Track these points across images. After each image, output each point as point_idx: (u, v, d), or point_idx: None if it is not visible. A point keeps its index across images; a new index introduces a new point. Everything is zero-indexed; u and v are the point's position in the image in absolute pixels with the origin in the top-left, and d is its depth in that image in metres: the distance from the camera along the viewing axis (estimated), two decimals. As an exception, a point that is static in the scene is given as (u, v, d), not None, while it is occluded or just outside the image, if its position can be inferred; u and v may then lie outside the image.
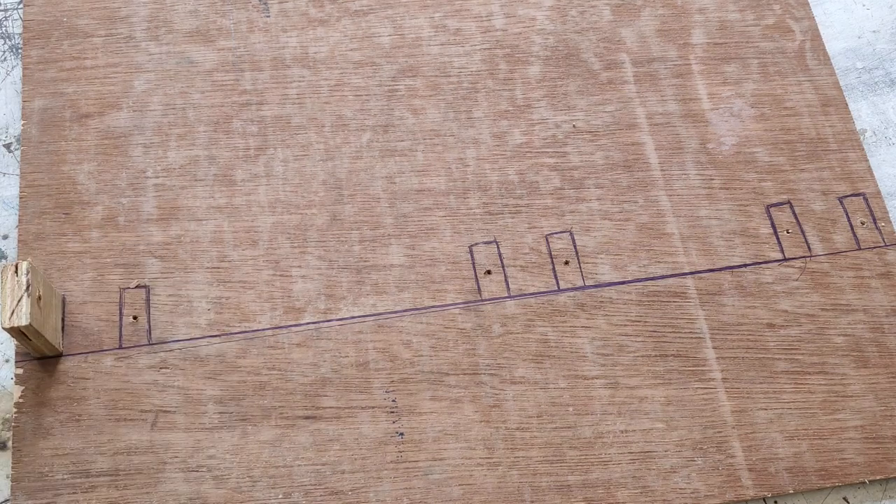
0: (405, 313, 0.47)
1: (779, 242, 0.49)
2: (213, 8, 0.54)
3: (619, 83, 0.53)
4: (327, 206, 0.49)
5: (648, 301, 0.47)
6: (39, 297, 0.42)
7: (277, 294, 0.47)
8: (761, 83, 0.53)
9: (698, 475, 0.44)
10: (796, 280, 0.48)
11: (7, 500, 0.42)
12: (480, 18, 0.54)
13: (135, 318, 0.46)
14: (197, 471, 0.43)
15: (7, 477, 0.43)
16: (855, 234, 0.49)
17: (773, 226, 0.49)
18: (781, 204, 0.50)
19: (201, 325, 0.46)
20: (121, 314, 0.46)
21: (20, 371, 0.44)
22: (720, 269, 0.48)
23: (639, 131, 0.52)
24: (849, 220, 0.50)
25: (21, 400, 0.44)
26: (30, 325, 0.41)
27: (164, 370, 0.45)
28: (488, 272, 0.48)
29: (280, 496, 0.43)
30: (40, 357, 0.45)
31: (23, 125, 0.50)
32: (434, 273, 0.48)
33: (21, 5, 0.54)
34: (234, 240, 0.48)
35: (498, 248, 0.48)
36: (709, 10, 0.55)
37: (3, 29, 0.54)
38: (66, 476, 0.42)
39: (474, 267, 0.48)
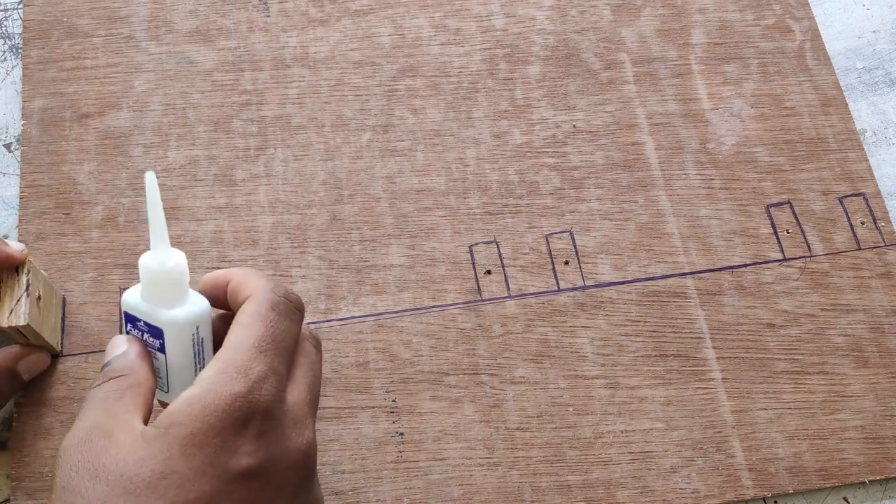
0: (405, 313, 0.47)
1: (779, 242, 0.49)
2: (213, 8, 0.54)
3: (619, 83, 0.53)
4: (327, 206, 0.49)
5: (648, 301, 0.47)
6: (39, 297, 0.42)
7: (277, 294, 0.47)
8: (761, 83, 0.53)
9: (698, 475, 0.44)
10: (796, 280, 0.48)
11: (7, 500, 0.42)
12: (480, 18, 0.54)
13: (135, 318, 0.46)
14: (197, 471, 0.43)
15: (7, 477, 0.43)
16: (855, 234, 0.49)
17: (773, 226, 0.49)
18: (781, 204, 0.50)
19: (201, 325, 0.46)
20: (121, 314, 0.46)
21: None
22: (720, 269, 0.48)
23: (639, 131, 0.52)
24: (849, 220, 0.50)
25: (21, 400, 0.44)
26: (28, 325, 0.41)
27: (164, 370, 0.45)
28: (488, 272, 0.48)
29: (280, 496, 0.43)
30: (40, 357, 0.45)
31: (23, 125, 0.50)
32: (434, 273, 0.48)
33: (21, 5, 0.54)
34: (234, 240, 0.48)
35: (498, 248, 0.48)
36: (709, 10, 0.55)
37: (3, 29, 0.54)
38: (66, 476, 0.42)
39: (474, 267, 0.48)
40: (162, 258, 0.33)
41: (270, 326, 0.32)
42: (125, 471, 0.29)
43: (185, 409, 0.30)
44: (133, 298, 0.34)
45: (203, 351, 0.35)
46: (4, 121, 0.51)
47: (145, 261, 0.33)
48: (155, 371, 0.35)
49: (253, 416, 0.31)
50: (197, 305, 0.34)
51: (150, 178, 0.33)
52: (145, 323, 0.34)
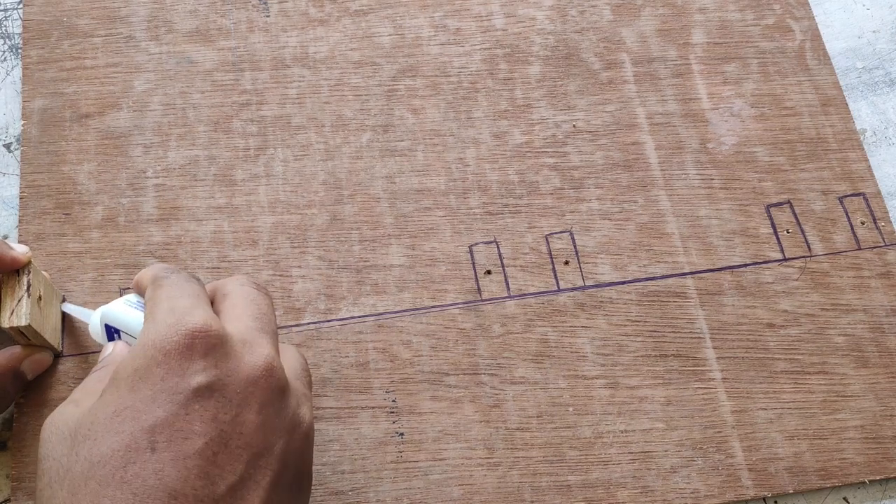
0: (405, 313, 0.47)
1: (779, 242, 0.49)
2: (213, 8, 0.54)
3: (619, 83, 0.53)
4: (327, 206, 0.49)
5: (648, 301, 0.47)
6: (40, 298, 0.42)
7: (277, 294, 0.47)
8: (761, 83, 0.53)
9: (698, 475, 0.44)
10: (796, 280, 0.48)
11: (7, 501, 0.43)
12: (480, 18, 0.54)
13: (135, 318, 0.46)
14: (197, 471, 0.43)
15: (7, 477, 0.43)
16: (855, 234, 0.49)
17: (773, 226, 0.49)
18: (781, 204, 0.50)
19: (201, 325, 0.46)
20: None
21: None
22: (720, 269, 0.48)
23: (639, 131, 0.52)
24: (849, 220, 0.50)
25: (21, 400, 0.44)
26: (29, 325, 0.41)
27: (164, 370, 0.45)
28: (488, 272, 0.48)
29: (280, 496, 0.43)
30: (40, 357, 0.45)
31: (23, 125, 0.50)
32: (434, 273, 0.48)
33: (21, 5, 0.54)
34: (234, 240, 0.48)
35: (498, 248, 0.48)
36: (709, 10, 0.55)
37: (3, 29, 0.54)
38: (66, 476, 0.42)
39: (474, 267, 0.48)
40: (95, 316, 0.41)
41: (170, 285, 0.35)
42: (83, 422, 0.31)
43: (128, 354, 0.32)
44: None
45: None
46: (4, 121, 0.51)
47: (91, 330, 0.41)
48: None
49: (194, 336, 0.31)
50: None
51: (67, 308, 0.44)
52: (108, 338, 0.40)
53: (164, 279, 0.35)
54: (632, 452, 0.44)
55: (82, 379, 0.44)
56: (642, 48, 0.54)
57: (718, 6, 0.55)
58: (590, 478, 0.44)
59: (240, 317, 0.35)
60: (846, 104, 0.53)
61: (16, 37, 0.53)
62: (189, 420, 0.30)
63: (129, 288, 0.47)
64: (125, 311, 0.39)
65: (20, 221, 0.48)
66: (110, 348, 0.38)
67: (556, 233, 0.49)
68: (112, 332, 0.39)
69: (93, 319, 0.40)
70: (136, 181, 0.49)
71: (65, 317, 0.46)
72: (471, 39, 0.54)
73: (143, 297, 0.38)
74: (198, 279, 0.37)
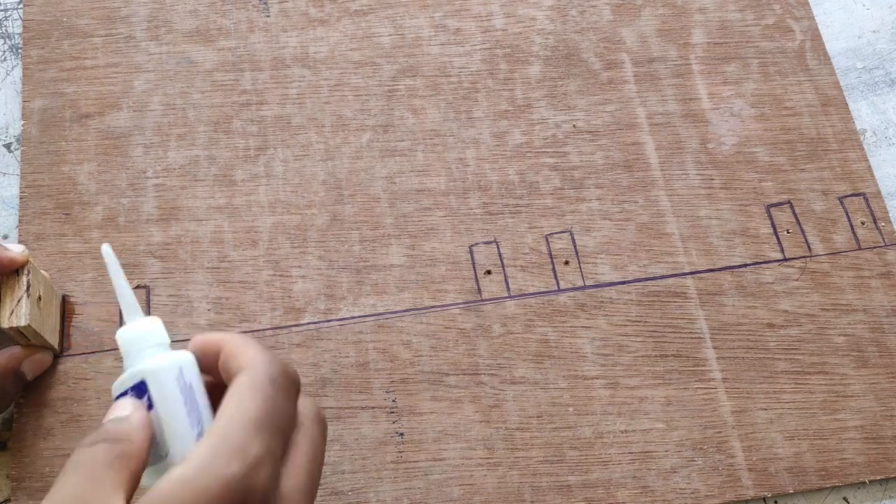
0: (405, 313, 0.47)
1: (779, 242, 0.49)
2: (213, 8, 0.54)
3: (619, 83, 0.53)
4: (327, 206, 0.49)
5: (648, 301, 0.47)
6: (40, 298, 0.42)
7: (277, 294, 0.47)
8: (761, 83, 0.53)
9: (698, 475, 0.44)
10: (796, 280, 0.48)
11: (7, 501, 0.43)
12: (480, 18, 0.54)
13: (135, 318, 0.46)
14: (197, 471, 0.43)
15: (7, 477, 0.43)
16: (855, 234, 0.49)
17: (773, 226, 0.49)
18: (781, 204, 0.50)
19: (201, 325, 0.46)
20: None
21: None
22: (720, 269, 0.48)
23: (639, 131, 0.52)
24: (849, 220, 0.50)
25: (21, 400, 0.44)
26: (29, 325, 0.41)
27: (164, 370, 0.45)
28: (488, 272, 0.48)
29: (280, 496, 0.42)
30: (40, 357, 0.45)
31: (23, 125, 0.50)
32: (434, 273, 0.48)
33: (21, 5, 0.54)
34: (234, 240, 0.48)
35: (498, 248, 0.48)
36: (709, 10, 0.55)
37: (3, 29, 0.54)
38: (66, 476, 0.42)
39: (474, 267, 0.48)
40: (138, 327, 0.33)
41: (269, 402, 0.30)
42: None
43: (177, 491, 0.27)
44: (119, 378, 0.33)
45: (195, 398, 0.32)
46: (4, 121, 0.51)
47: (122, 333, 0.33)
48: (152, 439, 0.31)
49: (247, 502, 0.28)
50: (178, 352, 0.32)
51: (106, 251, 0.33)
52: (130, 388, 0.32)
53: (263, 388, 0.30)
54: (632, 452, 0.44)
55: (82, 379, 0.44)
56: (642, 48, 0.54)
57: (718, 6, 0.55)
58: (590, 478, 0.44)
59: (298, 468, 0.30)
60: (846, 104, 0.53)
61: (16, 37, 0.53)
62: None
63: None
64: (167, 384, 0.31)
65: (20, 221, 0.48)
66: (128, 410, 0.31)
67: (556, 233, 0.49)
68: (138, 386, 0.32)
69: (122, 332, 0.33)
70: (136, 181, 0.49)
71: (64, 317, 0.46)
72: (471, 39, 0.54)
73: (203, 367, 0.32)
74: (297, 387, 0.31)
